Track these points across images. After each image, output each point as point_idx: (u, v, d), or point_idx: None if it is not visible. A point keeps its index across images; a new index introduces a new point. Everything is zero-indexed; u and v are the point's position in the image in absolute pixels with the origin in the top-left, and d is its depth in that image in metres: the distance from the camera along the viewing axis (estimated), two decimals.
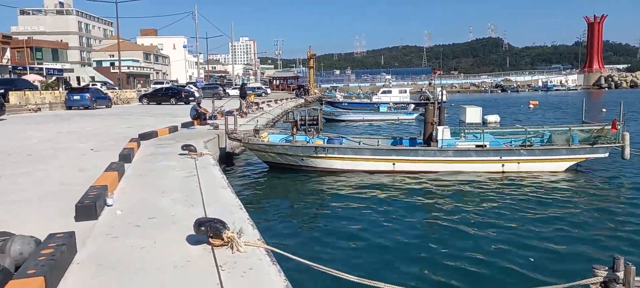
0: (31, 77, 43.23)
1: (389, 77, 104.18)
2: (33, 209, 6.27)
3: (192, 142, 11.36)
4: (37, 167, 9.40)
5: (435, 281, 6.72)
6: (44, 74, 55.16)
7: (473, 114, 16.95)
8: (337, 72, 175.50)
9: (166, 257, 4.38)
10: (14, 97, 29.82)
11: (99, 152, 11.48)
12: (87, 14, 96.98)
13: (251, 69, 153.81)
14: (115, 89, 48.01)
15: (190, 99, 35.18)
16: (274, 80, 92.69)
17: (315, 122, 15.49)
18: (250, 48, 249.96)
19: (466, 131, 15.41)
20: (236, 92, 41.07)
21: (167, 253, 4.50)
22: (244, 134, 15.04)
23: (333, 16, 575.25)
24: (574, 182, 13.28)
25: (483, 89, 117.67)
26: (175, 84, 62.26)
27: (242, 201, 6.69)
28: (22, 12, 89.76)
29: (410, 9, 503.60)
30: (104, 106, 32.10)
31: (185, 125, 17.79)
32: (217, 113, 20.93)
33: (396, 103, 41.00)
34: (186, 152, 10.33)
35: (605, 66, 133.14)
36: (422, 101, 41.25)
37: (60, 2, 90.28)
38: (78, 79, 66.60)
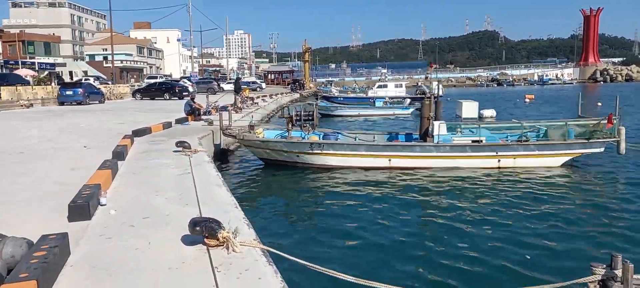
0: (23, 72, 42.91)
1: (385, 70, 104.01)
2: (25, 209, 6.18)
3: (186, 139, 11.29)
4: (29, 166, 9.29)
5: (432, 280, 6.70)
6: (36, 68, 54.70)
7: (469, 109, 16.91)
8: (333, 65, 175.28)
9: (161, 258, 4.33)
10: (5, 92, 29.55)
11: (92, 149, 11.37)
12: (79, 7, 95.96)
13: (246, 63, 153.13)
14: (108, 84, 47.65)
15: (184, 94, 34.97)
16: (269, 75, 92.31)
17: (310, 118, 15.40)
18: (245, 41, 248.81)
19: (462, 126, 15.39)
20: (231, 87, 40.86)
21: (161, 254, 4.44)
22: (239, 130, 14.93)
23: (328, 8, 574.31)
24: (570, 178, 13.31)
25: (479, 82, 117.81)
26: (169, 78, 61.90)
27: (237, 199, 6.64)
28: (14, 5, 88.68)
29: (407, 2, 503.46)
30: (97, 101, 31.80)
31: (179, 121, 17.67)
32: (212, 108, 20.80)
33: (392, 98, 40.94)
34: (180, 149, 10.25)
35: (600, 59, 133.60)
36: (418, 95, 41.21)
37: None
38: (71, 73, 66.16)
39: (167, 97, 36.12)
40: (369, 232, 8.72)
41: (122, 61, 76.87)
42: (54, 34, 74.92)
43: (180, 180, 7.64)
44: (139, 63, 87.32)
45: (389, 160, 14.25)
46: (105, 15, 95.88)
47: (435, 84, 17.98)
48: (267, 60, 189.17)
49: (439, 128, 14.34)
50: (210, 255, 4.34)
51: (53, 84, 41.97)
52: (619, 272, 4.41)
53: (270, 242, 5.76)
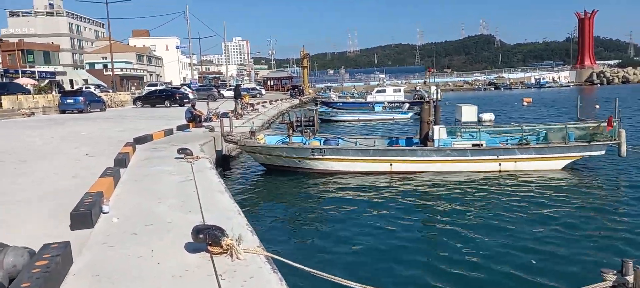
0: (23, 81, 42.92)
1: (382, 75, 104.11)
2: (27, 216, 6.15)
3: (188, 146, 11.25)
4: (30, 173, 9.26)
5: (435, 286, 6.61)
6: (36, 77, 54.70)
7: (469, 113, 16.93)
8: (331, 71, 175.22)
9: (164, 266, 4.29)
10: (6, 101, 29.52)
11: (93, 156, 11.35)
12: (77, 15, 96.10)
13: (245, 70, 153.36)
14: (109, 92, 47.67)
15: (184, 101, 34.97)
16: (268, 81, 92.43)
17: (311, 123, 15.39)
18: (243, 48, 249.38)
19: (462, 130, 15.39)
20: (230, 93, 40.87)
21: (164, 261, 4.40)
22: (240, 136, 14.93)
23: (324, 14, 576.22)
24: (572, 181, 13.28)
25: (476, 86, 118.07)
26: (169, 85, 61.93)
27: (239, 205, 6.61)
28: (12, 14, 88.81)
29: (402, 7, 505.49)
30: (98, 109, 31.81)
31: (180, 128, 17.66)
32: (212, 115, 20.79)
33: (391, 102, 40.96)
34: (182, 155, 10.22)
35: (596, 62, 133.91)
36: (417, 100, 41.24)
37: (50, 3, 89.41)
38: (71, 81, 66.18)
39: (168, 105, 36.12)
40: (372, 237, 8.68)
41: (122, 69, 76.96)
42: (53, 42, 75.04)
43: (182, 187, 7.61)
44: (139, 71, 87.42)
45: (390, 164, 14.23)
46: (103, 24, 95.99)
47: (433, 88, 18.00)
48: (266, 66, 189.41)
49: (439, 132, 14.34)
50: (214, 263, 4.30)
51: (54, 92, 41.94)
52: (630, 278, 4.31)
53: (273, 248, 5.73)
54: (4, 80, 47.69)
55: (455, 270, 7.08)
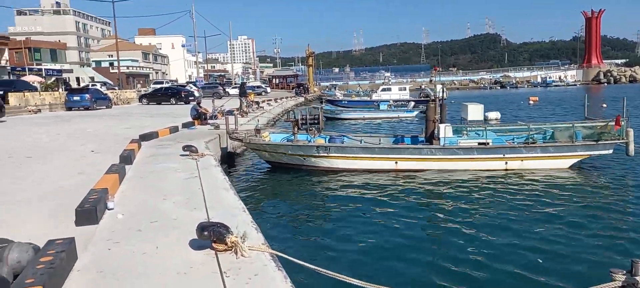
0: (30, 78, 43.10)
1: (388, 74, 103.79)
2: (32, 213, 6.16)
3: (193, 143, 11.26)
4: (37, 170, 9.29)
5: (441, 285, 6.55)
6: (43, 74, 55.02)
7: (475, 111, 16.83)
8: (336, 70, 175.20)
9: (169, 263, 4.28)
10: (13, 98, 29.68)
11: (99, 153, 11.38)
12: (84, 14, 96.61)
13: (250, 68, 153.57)
14: (115, 89, 47.88)
15: (190, 98, 35.05)
16: (274, 79, 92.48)
17: (316, 121, 15.37)
18: (248, 46, 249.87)
19: (468, 129, 15.30)
20: (236, 91, 40.92)
21: (169, 258, 4.39)
22: (245, 134, 14.93)
23: (329, 12, 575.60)
24: (579, 180, 13.17)
25: (482, 85, 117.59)
26: (175, 83, 62.13)
27: (244, 203, 6.59)
28: (19, 13, 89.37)
29: (408, 6, 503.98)
30: (104, 107, 31.96)
31: (185, 126, 17.69)
32: (218, 113, 20.81)
33: (396, 101, 40.85)
34: (187, 152, 10.22)
35: (603, 61, 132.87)
36: (422, 98, 41.11)
37: (57, 2, 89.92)
38: (77, 79, 66.48)
39: (174, 102, 36.23)
40: (376, 235, 8.64)
41: (128, 67, 77.33)
42: (59, 41, 75.48)
43: (187, 184, 7.61)
44: (144, 69, 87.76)
45: (396, 162, 14.17)
46: (109, 22, 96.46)
47: (439, 87, 17.90)
48: (271, 65, 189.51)
49: (445, 130, 14.26)
50: (218, 260, 4.29)
51: (60, 89, 42.17)
52: None
53: (278, 245, 5.69)
54: (12, 78, 47.97)
55: (460, 269, 7.02)
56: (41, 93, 34.38)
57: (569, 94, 68.12)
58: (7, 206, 6.48)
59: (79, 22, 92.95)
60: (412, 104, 39.03)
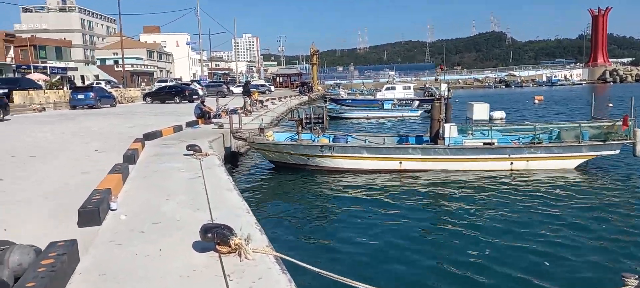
0: (35, 76, 43.28)
1: (392, 72, 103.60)
2: (34, 214, 6.13)
3: (197, 142, 11.22)
4: (40, 169, 9.28)
5: None
6: (48, 72, 55.15)
7: (480, 111, 16.72)
8: (340, 68, 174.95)
9: (171, 266, 4.22)
10: (18, 96, 29.75)
11: (103, 152, 11.37)
12: (89, 11, 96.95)
13: (254, 66, 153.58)
14: (119, 88, 47.95)
15: (194, 97, 35.04)
16: (278, 78, 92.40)
17: (320, 121, 15.29)
18: (252, 45, 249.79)
19: (473, 128, 15.19)
20: (240, 90, 40.88)
21: (172, 261, 4.34)
22: (249, 133, 14.88)
23: (334, 11, 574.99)
24: (585, 180, 13.03)
25: (487, 84, 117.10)
26: (179, 81, 62.21)
27: (248, 203, 6.53)
28: (25, 10, 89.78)
29: (413, 3, 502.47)
30: (109, 105, 32.02)
31: (189, 124, 17.67)
32: (222, 112, 20.77)
33: (400, 100, 40.69)
34: (191, 152, 10.18)
35: (609, 60, 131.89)
36: (427, 97, 40.91)
37: None
38: (82, 77, 66.67)
39: (178, 101, 36.23)
40: (381, 237, 8.56)
41: (132, 65, 77.43)
42: (64, 38, 75.74)
43: (191, 184, 7.56)
44: (149, 67, 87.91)
45: (400, 162, 14.08)
46: (115, 20, 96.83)
47: (444, 85, 17.77)
48: (275, 63, 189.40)
49: (450, 130, 14.16)
50: (222, 263, 4.23)
51: (65, 88, 42.27)
52: None
53: (282, 248, 5.63)
54: (16, 76, 48.18)
55: (466, 273, 6.92)
56: (46, 91, 34.49)
57: (574, 93, 67.67)
58: (8, 206, 6.46)
59: (84, 20, 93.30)
60: (417, 103, 38.85)
